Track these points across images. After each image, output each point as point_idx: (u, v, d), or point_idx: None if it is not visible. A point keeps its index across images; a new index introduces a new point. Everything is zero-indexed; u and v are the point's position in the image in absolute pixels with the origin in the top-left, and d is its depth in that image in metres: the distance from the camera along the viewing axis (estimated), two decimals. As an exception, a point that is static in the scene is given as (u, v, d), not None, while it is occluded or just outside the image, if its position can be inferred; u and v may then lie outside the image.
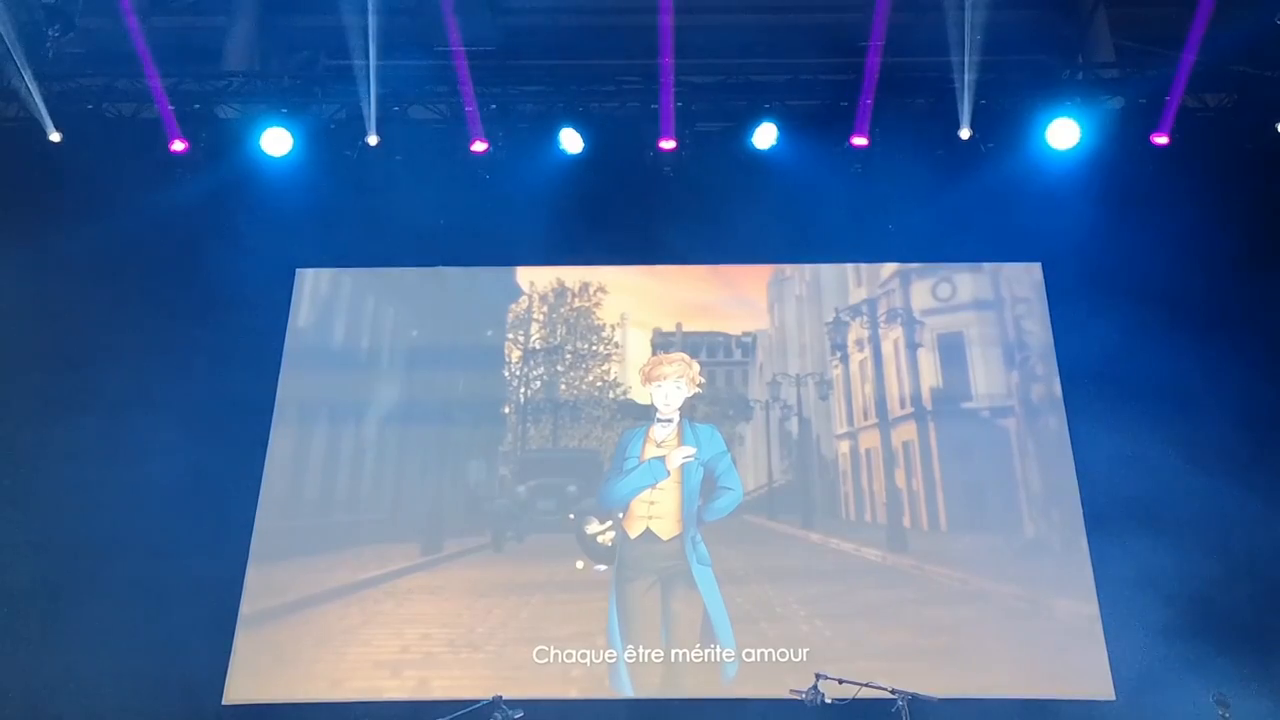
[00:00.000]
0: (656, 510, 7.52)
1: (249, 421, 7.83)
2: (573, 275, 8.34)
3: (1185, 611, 6.87)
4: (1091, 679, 6.97)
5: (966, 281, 8.23)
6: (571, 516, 7.57)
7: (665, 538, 7.45)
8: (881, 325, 8.13)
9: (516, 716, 5.86)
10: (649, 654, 7.10)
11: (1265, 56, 8.00)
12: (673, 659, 7.09)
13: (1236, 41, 7.77)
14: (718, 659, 7.09)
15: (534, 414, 7.92)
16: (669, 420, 7.80)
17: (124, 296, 8.09)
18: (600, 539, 7.49)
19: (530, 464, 7.79)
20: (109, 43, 8.01)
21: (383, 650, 7.18)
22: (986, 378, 7.94)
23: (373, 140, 8.10)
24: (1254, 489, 7.22)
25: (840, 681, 5.75)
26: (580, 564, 7.43)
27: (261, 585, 7.37)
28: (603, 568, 7.39)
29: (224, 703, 7.07)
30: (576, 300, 8.26)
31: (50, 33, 8.00)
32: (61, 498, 7.47)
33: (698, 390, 7.91)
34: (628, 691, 7.00)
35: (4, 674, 7.01)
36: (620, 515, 7.54)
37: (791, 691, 5.79)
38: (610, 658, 7.09)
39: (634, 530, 7.49)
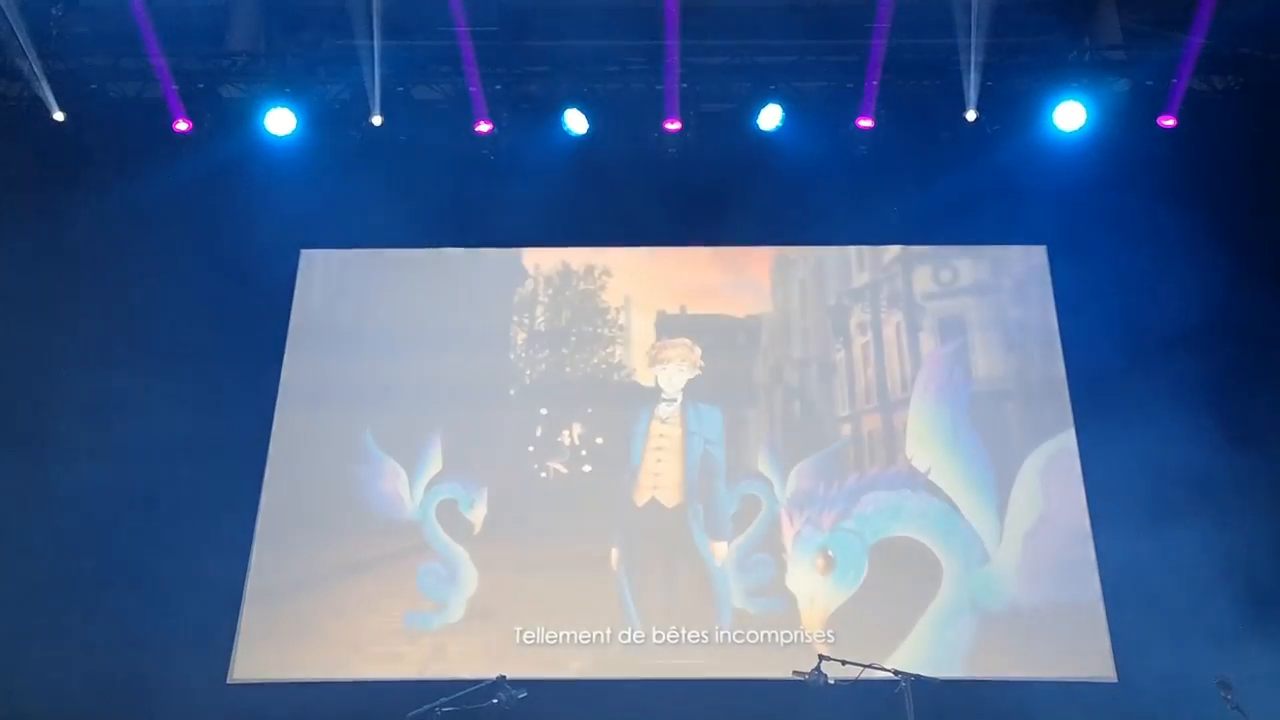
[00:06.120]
0: (661, 480, 7.63)
1: (254, 403, 7.84)
2: (577, 258, 8.33)
3: (1188, 594, 6.88)
4: (1093, 661, 7.02)
5: (968, 266, 8.24)
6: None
7: (669, 506, 7.56)
8: (883, 309, 8.14)
9: (520, 696, 5.89)
10: (656, 632, 7.18)
11: (1272, 40, 7.98)
12: (674, 639, 7.15)
13: (1244, 25, 7.76)
14: (720, 639, 7.16)
15: (539, 396, 7.93)
16: (673, 400, 7.87)
17: (128, 277, 8.10)
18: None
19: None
20: (113, 22, 7.95)
21: (399, 620, 7.28)
22: (987, 361, 7.94)
23: (377, 121, 8.08)
24: (1259, 473, 7.24)
25: (843, 663, 5.76)
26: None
27: (270, 563, 7.42)
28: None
29: (229, 681, 7.12)
30: (581, 283, 8.26)
31: (54, 12, 7.98)
32: (64, 479, 7.47)
33: (699, 373, 7.94)
34: (638, 659, 7.11)
35: (5, 653, 7.04)
36: (629, 486, 7.63)
37: (795, 673, 5.81)
38: (621, 635, 7.18)
39: (641, 499, 7.57)
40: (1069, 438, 7.66)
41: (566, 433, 7.80)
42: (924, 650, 7.06)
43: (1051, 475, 7.57)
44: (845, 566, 7.37)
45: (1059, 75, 8.06)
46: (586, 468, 7.71)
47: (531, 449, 7.76)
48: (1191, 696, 6.43)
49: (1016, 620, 7.17)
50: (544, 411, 7.84)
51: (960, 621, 7.18)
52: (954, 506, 7.50)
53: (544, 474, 7.70)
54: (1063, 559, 7.32)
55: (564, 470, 7.70)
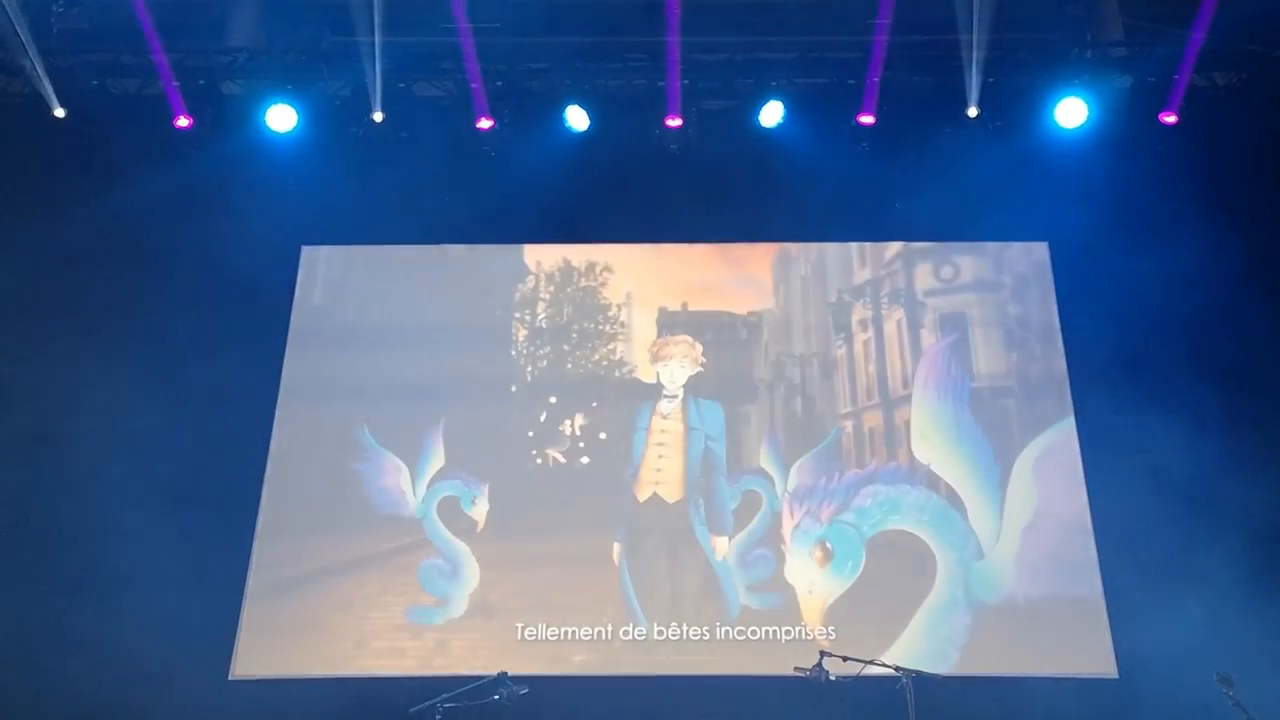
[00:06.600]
0: (663, 476, 7.65)
1: (255, 399, 7.83)
2: (579, 254, 8.33)
3: (1189, 590, 6.86)
4: (1094, 657, 7.01)
5: (969, 262, 8.24)
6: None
7: (671, 501, 7.58)
8: (884, 306, 8.14)
9: (521, 692, 5.89)
10: (658, 628, 7.19)
11: (1274, 36, 7.98)
12: (676, 635, 7.16)
13: (1246, 20, 7.74)
14: (722, 635, 7.16)
15: (541, 392, 7.93)
16: (674, 396, 7.88)
17: (128, 274, 8.09)
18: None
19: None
20: (113, 18, 7.95)
21: (401, 616, 7.29)
22: (988, 358, 7.95)
23: (378, 117, 8.07)
24: (1260, 469, 7.23)
25: (845, 659, 5.76)
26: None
27: (272, 560, 7.42)
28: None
29: (230, 677, 7.12)
30: (583, 280, 8.26)
31: (55, 8, 7.96)
32: (64, 477, 7.49)
33: (700, 369, 7.95)
34: (640, 656, 7.12)
35: (6, 649, 7.04)
36: (631, 482, 7.64)
37: (796, 669, 5.81)
38: (623, 631, 7.18)
39: (643, 495, 7.60)
40: (1070, 433, 7.65)
41: (568, 422, 7.82)
42: (920, 644, 7.06)
43: (1051, 470, 7.57)
44: (843, 559, 7.37)
45: (1060, 72, 8.04)
46: (585, 459, 7.72)
47: (531, 433, 7.79)
48: (1192, 693, 6.43)
49: (1014, 615, 7.17)
50: (553, 400, 7.87)
51: (955, 615, 7.17)
52: (954, 502, 7.50)
53: (540, 460, 7.71)
54: (1062, 554, 7.31)
55: (562, 460, 7.71)
